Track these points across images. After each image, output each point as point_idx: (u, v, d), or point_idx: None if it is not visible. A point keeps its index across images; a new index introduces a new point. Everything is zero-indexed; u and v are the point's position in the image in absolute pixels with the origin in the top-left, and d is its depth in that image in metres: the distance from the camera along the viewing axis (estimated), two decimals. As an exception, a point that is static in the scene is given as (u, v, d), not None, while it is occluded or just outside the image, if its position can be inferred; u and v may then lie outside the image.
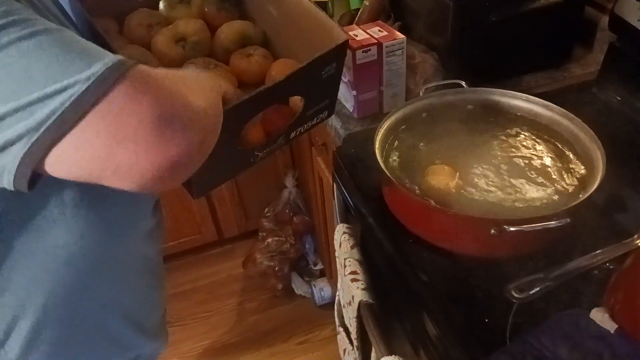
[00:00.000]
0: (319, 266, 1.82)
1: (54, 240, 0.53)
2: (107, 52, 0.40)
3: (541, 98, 0.83)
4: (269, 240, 1.77)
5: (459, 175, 0.75)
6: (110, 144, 0.38)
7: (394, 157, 0.79)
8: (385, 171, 0.72)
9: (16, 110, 0.37)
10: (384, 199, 0.78)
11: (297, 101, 0.71)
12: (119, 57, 0.40)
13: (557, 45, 1.05)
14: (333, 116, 1.02)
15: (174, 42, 0.74)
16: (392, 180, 0.70)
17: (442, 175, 0.74)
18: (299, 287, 1.79)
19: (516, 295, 0.64)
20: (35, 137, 0.38)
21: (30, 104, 0.37)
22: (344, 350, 0.91)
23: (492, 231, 0.64)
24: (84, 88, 0.37)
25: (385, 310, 0.78)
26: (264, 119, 0.70)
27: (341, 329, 0.89)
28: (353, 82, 0.95)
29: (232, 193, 1.75)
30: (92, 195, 0.53)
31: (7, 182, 0.40)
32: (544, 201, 0.71)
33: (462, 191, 0.74)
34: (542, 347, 0.59)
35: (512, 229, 0.62)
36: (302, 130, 0.75)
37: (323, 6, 1.07)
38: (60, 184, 0.51)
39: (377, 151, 0.76)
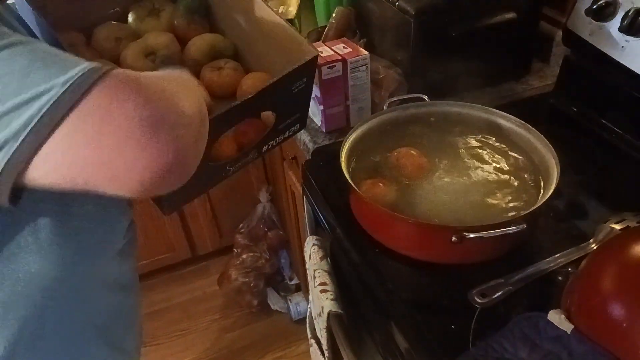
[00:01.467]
0: (295, 281, 1.82)
1: (27, 265, 0.51)
2: (83, 59, 0.40)
3: (501, 109, 0.87)
4: (244, 256, 1.76)
5: (423, 183, 0.78)
6: (101, 148, 0.38)
7: (360, 169, 0.81)
8: (350, 182, 0.73)
9: None
10: (351, 210, 0.80)
11: (269, 115, 0.72)
12: (95, 63, 0.40)
13: (515, 59, 1.09)
14: (302, 130, 1.04)
15: (143, 55, 0.74)
16: (356, 190, 0.72)
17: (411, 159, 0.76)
18: (275, 302, 1.79)
19: (478, 300, 0.66)
20: (14, 147, 0.37)
21: (6, 113, 0.37)
22: (317, 361, 0.91)
23: (453, 238, 0.66)
24: (61, 92, 0.37)
25: (355, 321, 0.79)
26: (236, 132, 0.71)
27: (313, 341, 0.90)
28: (320, 97, 0.97)
29: (205, 209, 1.74)
30: (66, 220, 0.53)
31: None
32: (503, 208, 0.73)
33: (424, 199, 0.76)
34: (503, 350, 0.61)
35: (471, 235, 0.64)
36: (274, 144, 0.76)
37: (291, 23, 1.09)
38: (34, 209, 0.50)
39: (342, 163, 0.78)
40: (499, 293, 0.67)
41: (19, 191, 0.40)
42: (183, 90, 0.46)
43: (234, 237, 1.78)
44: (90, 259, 0.58)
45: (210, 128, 0.54)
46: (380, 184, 0.77)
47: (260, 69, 0.79)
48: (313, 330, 0.91)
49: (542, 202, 0.67)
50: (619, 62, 0.87)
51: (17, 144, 0.37)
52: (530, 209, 0.67)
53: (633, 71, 0.86)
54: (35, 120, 0.37)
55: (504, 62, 1.07)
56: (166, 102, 0.41)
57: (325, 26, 1.18)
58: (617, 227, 0.74)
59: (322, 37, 1.16)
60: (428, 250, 0.71)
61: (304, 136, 1.02)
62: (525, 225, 0.65)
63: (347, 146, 0.81)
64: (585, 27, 0.93)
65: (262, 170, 1.73)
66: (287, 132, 0.76)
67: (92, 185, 0.40)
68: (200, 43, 0.78)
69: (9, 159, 0.37)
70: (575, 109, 1.01)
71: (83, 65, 0.39)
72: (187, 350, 1.69)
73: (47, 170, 0.39)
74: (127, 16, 0.80)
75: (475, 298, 0.66)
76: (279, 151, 1.42)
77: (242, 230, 1.77)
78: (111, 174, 0.39)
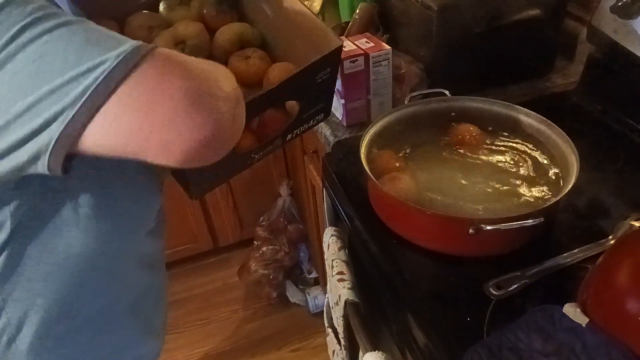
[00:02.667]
0: (313, 274, 1.84)
1: (68, 239, 0.55)
2: (130, 39, 0.43)
3: (524, 106, 0.87)
4: (264, 248, 1.79)
5: (440, 177, 0.79)
6: (152, 118, 0.41)
7: (380, 161, 0.82)
8: (369, 173, 0.75)
9: (52, 92, 0.40)
10: (369, 202, 0.81)
11: (293, 105, 0.73)
12: (142, 42, 0.43)
13: (539, 57, 1.09)
14: (323, 124, 1.06)
15: (173, 44, 0.76)
16: (375, 183, 0.73)
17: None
18: (294, 295, 1.81)
19: (494, 292, 0.67)
20: (72, 114, 0.40)
21: (65, 84, 0.40)
22: (333, 351, 0.93)
23: (470, 230, 0.67)
24: (115, 63, 0.40)
25: (372, 311, 0.81)
26: (260, 122, 0.73)
27: (330, 330, 0.92)
28: (342, 91, 0.98)
29: (227, 202, 1.78)
30: (105, 198, 0.56)
31: (42, 165, 0.42)
32: (522, 202, 0.74)
33: (443, 192, 0.77)
34: (517, 340, 0.62)
35: (488, 227, 0.65)
36: (298, 132, 0.77)
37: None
38: (77, 186, 0.53)
39: (362, 156, 0.79)
40: (515, 285, 0.67)
41: (69, 162, 0.43)
42: (220, 71, 0.49)
43: (254, 229, 1.81)
44: (125, 236, 0.62)
45: None
46: (400, 176, 0.79)
47: (287, 58, 0.80)
48: (330, 319, 0.93)
49: (560, 196, 0.68)
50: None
51: (74, 111, 0.40)
52: (548, 204, 0.68)
53: (658, 69, 0.85)
54: (91, 89, 0.40)
55: (527, 60, 1.07)
56: (208, 79, 0.44)
57: (349, 22, 1.19)
58: (637, 224, 0.74)
59: (346, 33, 1.18)
60: (445, 242, 0.72)
61: (325, 129, 1.04)
62: (542, 219, 0.65)
63: (367, 139, 0.83)
64: (609, 25, 0.93)
65: (283, 164, 1.75)
66: (312, 121, 0.77)
67: (141, 154, 0.43)
68: (228, 32, 0.80)
69: (65, 125, 0.40)
70: (598, 107, 1.00)
71: (133, 42, 0.43)
72: (206, 339, 1.73)
73: (100, 137, 0.42)
74: (159, 5, 0.83)
75: (491, 290, 0.67)
76: (299, 145, 1.44)
77: (263, 223, 1.80)
78: (160, 143, 0.42)
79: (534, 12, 0.99)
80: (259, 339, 1.71)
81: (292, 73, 0.65)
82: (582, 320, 0.60)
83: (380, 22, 1.20)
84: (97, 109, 0.40)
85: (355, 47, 0.97)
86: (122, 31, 0.79)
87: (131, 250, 0.65)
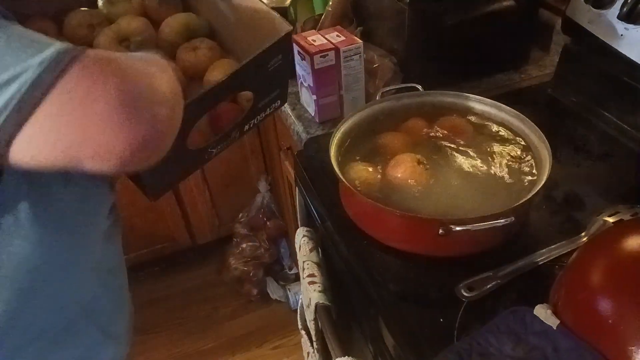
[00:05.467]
0: (294, 270, 1.82)
1: (10, 247, 0.52)
2: (56, 40, 0.41)
3: (498, 99, 0.85)
4: (243, 245, 1.77)
5: (414, 173, 0.77)
6: (84, 126, 0.39)
7: (350, 159, 0.80)
8: (337, 170, 0.73)
9: None
10: (341, 201, 0.79)
11: (247, 95, 0.71)
12: (68, 44, 0.41)
13: (514, 48, 1.07)
14: (295, 121, 1.04)
15: (117, 42, 0.73)
16: (343, 180, 0.71)
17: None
18: (274, 291, 1.79)
19: (465, 294, 0.65)
20: None
21: None
22: (307, 353, 0.91)
23: (440, 231, 0.65)
24: (38, 72, 0.38)
25: (344, 313, 0.79)
26: (214, 116, 0.71)
27: (303, 332, 0.90)
28: (313, 87, 0.96)
29: (205, 199, 1.74)
30: (47, 201, 0.53)
31: None
32: (493, 200, 0.72)
33: (416, 189, 0.75)
34: (488, 344, 0.60)
35: (458, 228, 0.63)
36: (255, 122, 0.75)
37: (283, 11, 1.08)
38: (14, 191, 0.50)
39: (332, 153, 0.77)
40: (487, 287, 0.66)
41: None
42: (158, 70, 0.48)
43: (233, 226, 1.78)
44: (73, 240, 0.59)
45: (185, 113, 0.55)
46: (369, 169, 0.76)
47: (236, 47, 0.77)
48: (304, 321, 0.91)
49: (531, 195, 0.66)
50: (617, 51, 0.85)
51: None
52: (519, 202, 0.66)
53: (632, 60, 0.84)
54: (15, 101, 0.38)
55: (501, 52, 1.05)
56: (143, 81, 0.43)
57: (322, 14, 1.16)
58: (611, 219, 0.73)
59: (318, 26, 1.15)
60: (415, 243, 0.70)
61: (297, 126, 1.02)
62: (513, 219, 0.64)
63: (337, 136, 0.80)
64: (584, 15, 0.91)
65: (261, 160, 1.72)
66: (268, 109, 0.75)
67: (74, 164, 0.42)
68: (173, 23, 0.76)
69: None
70: (574, 99, 0.99)
71: (57, 46, 0.40)
72: (186, 337, 1.70)
73: (29, 149, 0.40)
74: (97, 0, 0.79)
75: (463, 292, 0.65)
76: (275, 142, 1.41)
77: (242, 219, 1.77)
78: (93, 151, 0.41)
79: (507, 2, 0.97)
80: (239, 337, 1.69)
81: (239, 66, 0.62)
82: (553, 322, 0.59)
83: (354, 15, 1.18)
84: (24, 121, 0.38)
85: (325, 41, 0.94)
86: (59, 31, 0.75)
87: (82, 255, 0.62)
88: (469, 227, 0.63)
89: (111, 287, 0.70)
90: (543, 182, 0.68)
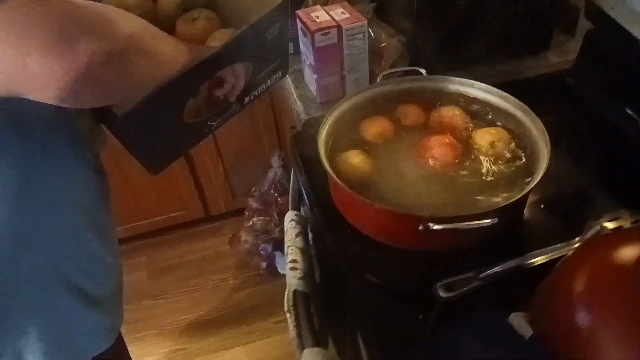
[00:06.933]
0: (304, 247, 1.82)
1: None
2: None
3: (510, 87, 0.80)
4: (255, 219, 1.77)
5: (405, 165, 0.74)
6: (22, 54, 0.41)
7: (343, 144, 0.78)
8: (323, 159, 0.71)
9: None
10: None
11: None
12: None
13: (533, 32, 1.00)
14: (297, 100, 1.01)
15: None
16: (327, 168, 0.69)
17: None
18: (282, 266, 1.80)
19: (442, 294, 0.63)
20: None
21: None
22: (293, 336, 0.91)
23: (420, 227, 0.62)
24: None
25: (322, 302, 0.78)
26: (210, 87, 0.69)
27: (288, 315, 0.89)
28: (314, 66, 0.92)
29: (218, 171, 1.75)
30: (22, 163, 0.54)
31: None
32: (485, 197, 0.69)
33: (405, 179, 0.72)
34: (457, 348, 0.58)
35: (435, 227, 0.60)
36: (256, 94, 0.73)
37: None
38: None
39: (321, 138, 0.74)
40: (466, 288, 0.63)
41: None
42: (120, 17, 0.48)
43: (246, 200, 1.79)
44: (50, 205, 0.59)
45: (180, 84, 0.56)
46: (361, 155, 0.74)
47: (235, 16, 0.75)
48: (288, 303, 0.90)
49: (518, 197, 0.62)
50: (638, 40, 0.78)
51: None
52: (504, 203, 0.62)
53: (655, 52, 0.77)
54: None
55: (519, 35, 0.98)
56: (90, 19, 0.44)
57: (335, -12, 1.12)
58: (610, 225, 0.68)
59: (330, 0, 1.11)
60: (396, 237, 0.68)
61: (297, 105, 0.99)
62: (497, 220, 0.60)
63: (329, 121, 0.78)
64: (607, 0, 0.84)
65: (275, 136, 1.71)
66: (269, 81, 0.73)
67: (13, 90, 0.43)
68: None
69: None
70: (591, 91, 0.92)
71: None
72: (195, 306, 1.74)
73: None
74: None
75: (439, 291, 0.63)
76: (288, 118, 1.39)
77: (254, 193, 1.78)
78: (29, 79, 0.42)
79: (527, -17, 0.90)
80: (245, 309, 1.72)
81: (234, 35, 0.60)
82: (526, 332, 0.56)
83: (369, -10, 1.13)
84: None
85: (329, 18, 0.90)
86: None
87: (62, 220, 0.62)
88: (447, 226, 0.60)
89: (93, 253, 0.69)
90: (534, 184, 0.64)
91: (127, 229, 1.79)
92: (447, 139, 0.74)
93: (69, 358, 0.67)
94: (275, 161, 1.71)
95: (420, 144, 0.75)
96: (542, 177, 0.65)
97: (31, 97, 0.44)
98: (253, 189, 1.78)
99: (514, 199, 0.62)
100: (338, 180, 0.67)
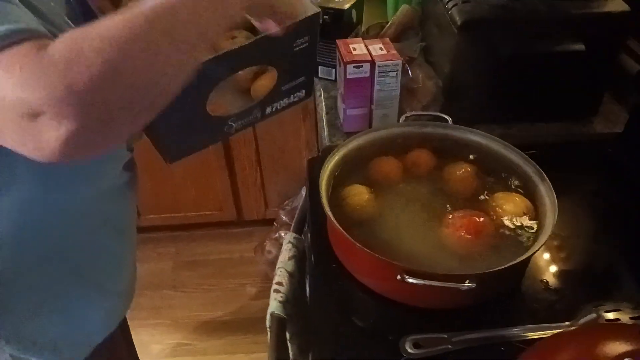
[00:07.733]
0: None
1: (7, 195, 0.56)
2: (29, 21, 0.42)
3: (543, 151, 0.77)
4: (282, 232, 1.79)
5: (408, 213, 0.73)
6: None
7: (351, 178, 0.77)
8: (322, 191, 0.71)
9: None
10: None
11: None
12: (29, 27, 0.41)
13: (579, 96, 0.95)
14: (324, 125, 1.02)
15: None
16: (323, 200, 0.69)
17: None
18: (301, 284, 1.80)
19: (409, 350, 0.61)
20: None
21: None
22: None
23: (398, 277, 0.61)
24: None
25: (300, 330, 0.77)
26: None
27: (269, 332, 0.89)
28: (343, 95, 0.93)
29: (255, 179, 1.79)
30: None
31: None
32: (486, 263, 0.65)
33: (409, 227, 0.71)
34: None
35: (410, 280, 0.59)
36: (278, 107, 0.73)
37: (340, 13, 1.05)
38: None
39: (325, 169, 0.74)
40: (435, 348, 0.61)
41: None
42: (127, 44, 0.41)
43: (277, 211, 1.81)
44: (69, 193, 0.62)
45: (205, 72, 0.53)
46: (365, 193, 0.74)
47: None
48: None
49: (501, 267, 0.59)
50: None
51: None
52: (485, 270, 0.59)
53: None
54: None
55: (563, 98, 0.94)
56: (58, 88, 0.39)
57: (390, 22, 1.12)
58: (609, 316, 0.63)
59: (381, 33, 1.11)
60: (376, 282, 0.66)
61: (323, 131, 1.00)
62: (474, 285, 0.57)
63: (342, 151, 0.78)
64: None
65: (315, 153, 1.72)
66: (292, 97, 0.72)
67: (9, 146, 0.42)
68: None
69: None
70: (635, 166, 0.86)
71: (11, 26, 0.40)
72: (209, 305, 1.78)
73: None
74: None
75: (407, 346, 0.61)
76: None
77: (286, 207, 1.80)
78: (20, 144, 0.41)
79: (576, 46, 0.86)
80: (256, 319, 1.73)
81: (261, 35, 0.61)
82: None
83: (421, 29, 1.12)
84: None
85: (365, 51, 0.91)
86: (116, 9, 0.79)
87: (80, 208, 0.64)
88: (421, 281, 0.58)
89: (108, 245, 0.72)
90: (523, 258, 0.60)
91: (162, 219, 1.87)
92: (482, 222, 0.70)
93: (78, 343, 0.71)
94: (311, 179, 1.72)
95: (453, 217, 0.71)
96: (541, 245, 0.62)
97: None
98: (286, 202, 1.80)
99: (494, 269, 0.59)
100: (329, 212, 0.67)
